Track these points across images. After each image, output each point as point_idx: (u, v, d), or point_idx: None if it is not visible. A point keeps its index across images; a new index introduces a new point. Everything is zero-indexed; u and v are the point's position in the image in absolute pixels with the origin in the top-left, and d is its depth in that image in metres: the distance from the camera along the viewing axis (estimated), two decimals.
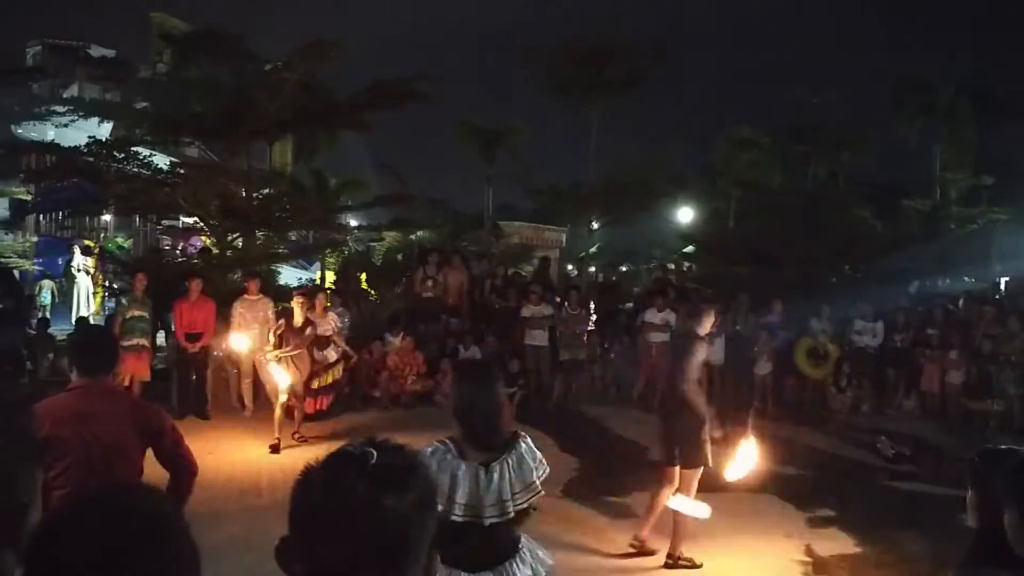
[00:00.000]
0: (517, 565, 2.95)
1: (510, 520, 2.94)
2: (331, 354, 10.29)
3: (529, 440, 3.09)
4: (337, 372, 10.53)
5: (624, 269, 25.33)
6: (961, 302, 14.45)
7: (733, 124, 25.88)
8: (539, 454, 3.08)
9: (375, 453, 1.22)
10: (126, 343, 9.83)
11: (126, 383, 9.96)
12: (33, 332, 12.51)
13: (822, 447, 9.97)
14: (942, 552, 5.31)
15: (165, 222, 17.34)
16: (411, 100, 14.36)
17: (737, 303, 12.26)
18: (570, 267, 24.22)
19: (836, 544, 6.47)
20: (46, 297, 16.19)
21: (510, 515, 2.91)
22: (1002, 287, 16.41)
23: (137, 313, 10.18)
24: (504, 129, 20.40)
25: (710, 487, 6.13)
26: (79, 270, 16.46)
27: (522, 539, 3.06)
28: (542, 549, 3.13)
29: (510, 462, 2.96)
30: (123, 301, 10.84)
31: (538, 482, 3.00)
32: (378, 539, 1.18)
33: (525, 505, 2.97)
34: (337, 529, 1.17)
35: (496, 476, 2.92)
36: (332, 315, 10.62)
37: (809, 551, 6.25)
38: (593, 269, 18.84)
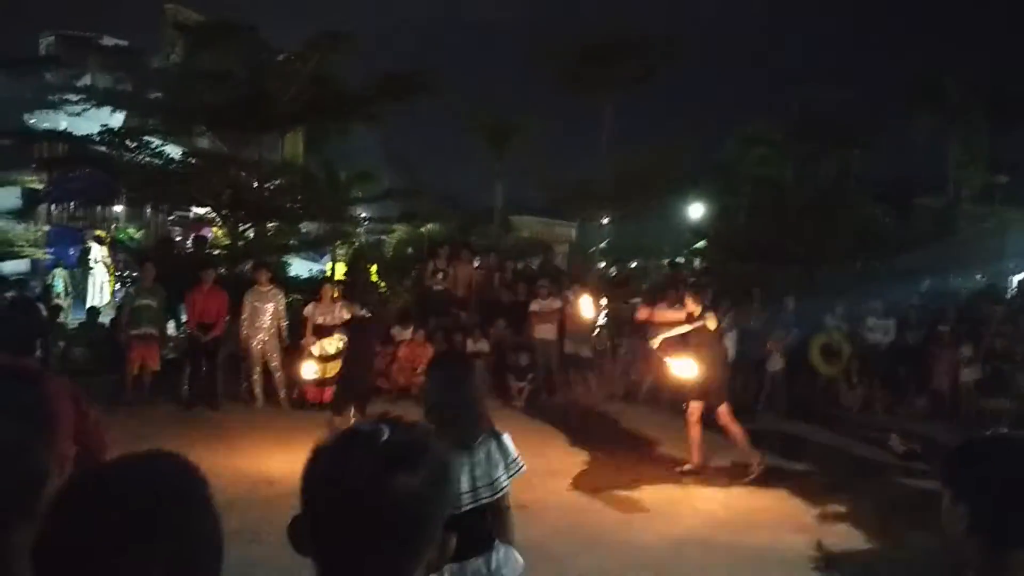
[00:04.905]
0: (481, 564, 2.77)
1: (471, 514, 2.77)
2: (330, 346, 10.38)
3: (506, 437, 2.94)
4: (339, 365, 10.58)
5: (634, 265, 25.26)
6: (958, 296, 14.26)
7: (744, 120, 25.75)
8: (514, 453, 2.92)
9: (387, 430, 1.19)
10: (135, 332, 9.86)
11: (135, 372, 10.02)
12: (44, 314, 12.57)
13: (833, 444, 9.92)
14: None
15: (176, 213, 17.40)
16: (420, 93, 14.35)
17: (749, 299, 12.22)
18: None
19: (847, 540, 6.44)
20: (58, 286, 16.23)
21: (460, 509, 2.68)
22: (1013, 285, 16.24)
23: (146, 302, 10.19)
24: (515, 124, 20.32)
25: (721, 483, 6.10)
26: (96, 261, 16.51)
27: (496, 543, 2.85)
28: (515, 554, 2.91)
29: (477, 457, 2.82)
30: (130, 290, 10.88)
31: (504, 479, 2.84)
32: (388, 517, 1.15)
33: (488, 501, 2.82)
34: (347, 507, 1.14)
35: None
36: (339, 306, 10.67)
37: (820, 546, 6.23)
38: (603, 264, 18.79)
